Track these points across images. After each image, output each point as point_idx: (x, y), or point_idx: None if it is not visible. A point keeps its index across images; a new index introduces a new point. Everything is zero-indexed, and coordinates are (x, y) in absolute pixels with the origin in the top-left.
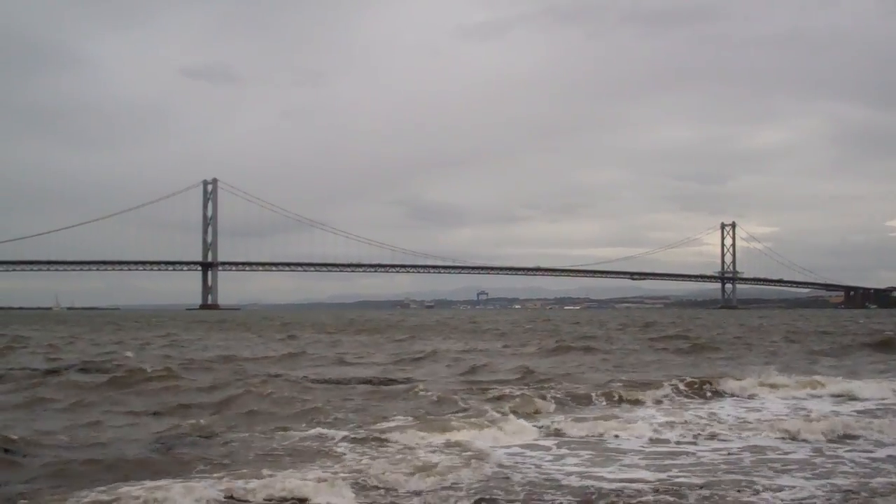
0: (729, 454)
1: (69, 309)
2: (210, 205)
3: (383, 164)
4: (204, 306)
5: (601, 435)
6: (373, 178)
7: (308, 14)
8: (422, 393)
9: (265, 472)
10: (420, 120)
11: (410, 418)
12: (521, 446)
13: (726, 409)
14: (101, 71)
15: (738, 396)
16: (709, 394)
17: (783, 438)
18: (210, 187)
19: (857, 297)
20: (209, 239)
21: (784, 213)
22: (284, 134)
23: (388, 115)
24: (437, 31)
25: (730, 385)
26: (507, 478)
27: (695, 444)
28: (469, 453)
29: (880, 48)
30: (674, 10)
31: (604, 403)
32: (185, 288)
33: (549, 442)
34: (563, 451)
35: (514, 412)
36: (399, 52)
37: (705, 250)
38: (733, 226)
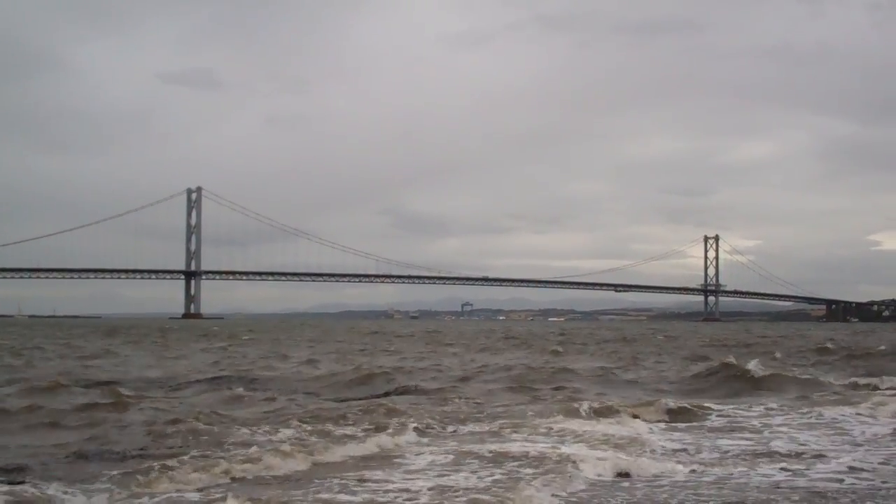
0: None
1: (30, 317)
2: (194, 213)
3: (369, 174)
4: (187, 315)
5: None
6: (358, 188)
7: (293, 22)
8: None
9: None
10: (406, 129)
11: None
12: None
13: None
14: (84, 76)
15: None
16: None
17: None
18: (194, 195)
19: (839, 311)
20: (193, 247)
21: (768, 226)
22: (269, 142)
23: (373, 124)
24: (424, 40)
25: None
26: None
27: None
28: None
29: (867, 62)
30: (663, 19)
31: None
32: (168, 297)
33: None
34: None
35: None
36: (385, 60)
37: (689, 263)
38: (716, 238)
